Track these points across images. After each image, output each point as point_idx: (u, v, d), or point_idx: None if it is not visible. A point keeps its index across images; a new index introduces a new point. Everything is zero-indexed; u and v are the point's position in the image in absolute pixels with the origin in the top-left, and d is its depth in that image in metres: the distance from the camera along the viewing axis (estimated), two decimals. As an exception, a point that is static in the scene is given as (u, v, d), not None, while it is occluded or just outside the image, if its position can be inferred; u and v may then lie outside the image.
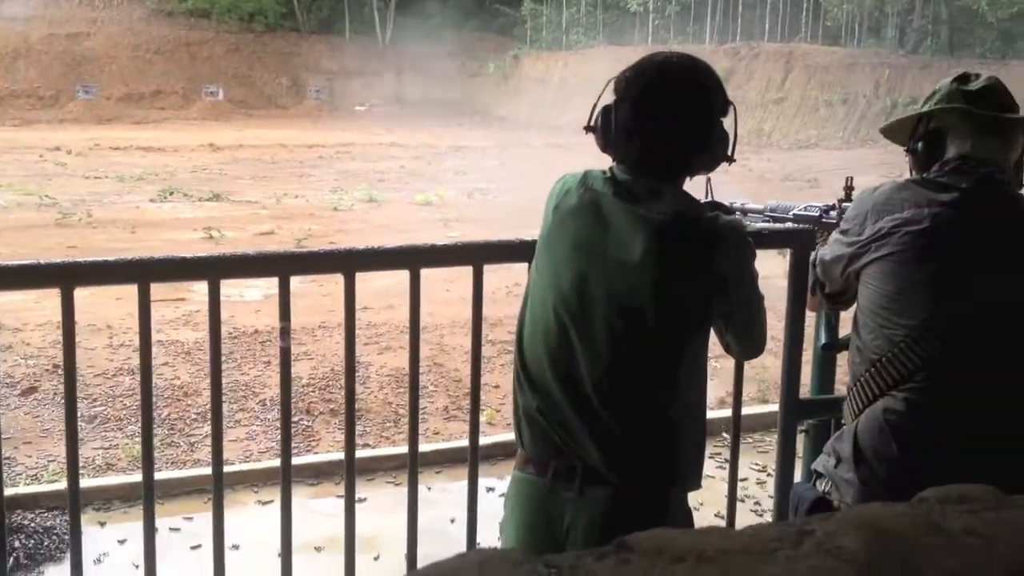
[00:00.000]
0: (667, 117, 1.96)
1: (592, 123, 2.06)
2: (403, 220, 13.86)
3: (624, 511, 1.97)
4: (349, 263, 2.33)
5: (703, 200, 2.09)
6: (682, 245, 1.95)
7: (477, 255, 2.42)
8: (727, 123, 2.04)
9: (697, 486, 2.13)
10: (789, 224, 2.76)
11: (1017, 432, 2.08)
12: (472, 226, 13.16)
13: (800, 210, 2.80)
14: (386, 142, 27.16)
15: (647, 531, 0.71)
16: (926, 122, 2.27)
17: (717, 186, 2.19)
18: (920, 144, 2.26)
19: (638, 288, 1.94)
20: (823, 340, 2.64)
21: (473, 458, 2.52)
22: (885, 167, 19.97)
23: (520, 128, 32.90)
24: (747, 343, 2.15)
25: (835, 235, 2.31)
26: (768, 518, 4.47)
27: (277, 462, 5.08)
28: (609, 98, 2.04)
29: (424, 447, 5.21)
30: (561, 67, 38.86)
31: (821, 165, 19.54)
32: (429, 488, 4.77)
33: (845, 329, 2.53)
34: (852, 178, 2.77)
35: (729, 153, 2.05)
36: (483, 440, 5.37)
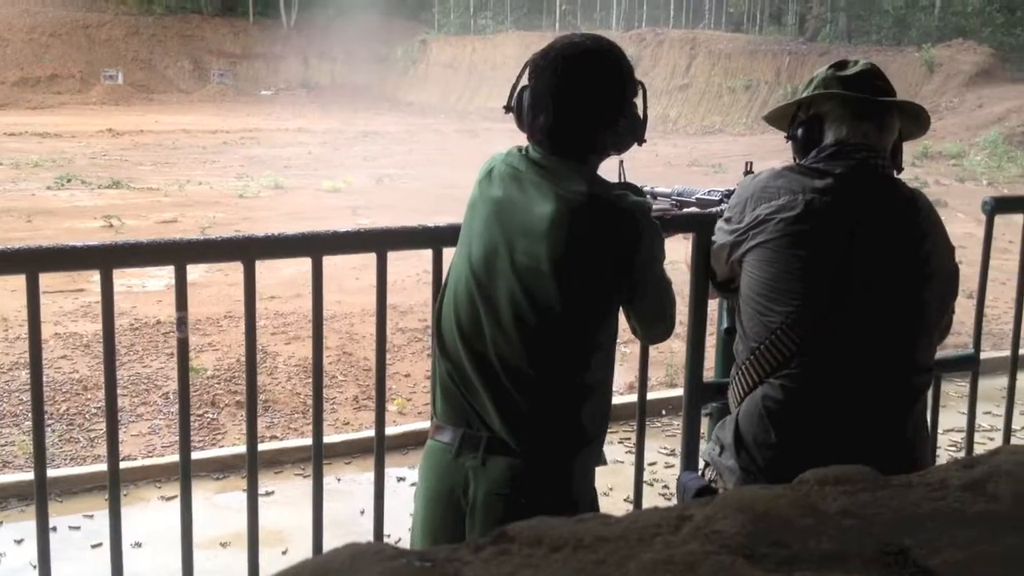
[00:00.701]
0: (572, 97, 1.99)
1: (510, 103, 2.10)
2: (310, 207, 13.68)
3: (525, 483, 2.00)
4: (248, 251, 2.27)
5: (615, 181, 2.11)
6: (588, 223, 1.96)
7: (380, 242, 2.39)
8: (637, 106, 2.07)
9: (600, 462, 2.14)
10: (694, 208, 2.78)
11: (890, 415, 2.14)
12: (381, 213, 13.05)
13: (703, 194, 2.82)
14: (293, 127, 26.77)
15: (527, 520, 0.70)
16: (805, 108, 2.29)
17: (626, 171, 2.21)
18: (799, 130, 2.27)
19: (542, 263, 1.96)
20: (725, 324, 2.67)
21: (379, 448, 2.49)
22: (788, 152, 20.40)
23: (429, 113, 32.74)
24: (653, 327, 2.17)
25: (720, 223, 2.33)
26: (676, 500, 4.54)
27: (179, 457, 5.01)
28: (526, 80, 2.08)
29: (333, 438, 5.16)
30: (470, 52, 38.75)
31: (726, 151, 19.86)
32: (339, 479, 4.72)
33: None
34: (751, 163, 2.79)
35: (639, 134, 2.08)
36: (394, 429, 5.37)
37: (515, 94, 2.08)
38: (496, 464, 2.02)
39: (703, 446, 2.81)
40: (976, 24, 27.32)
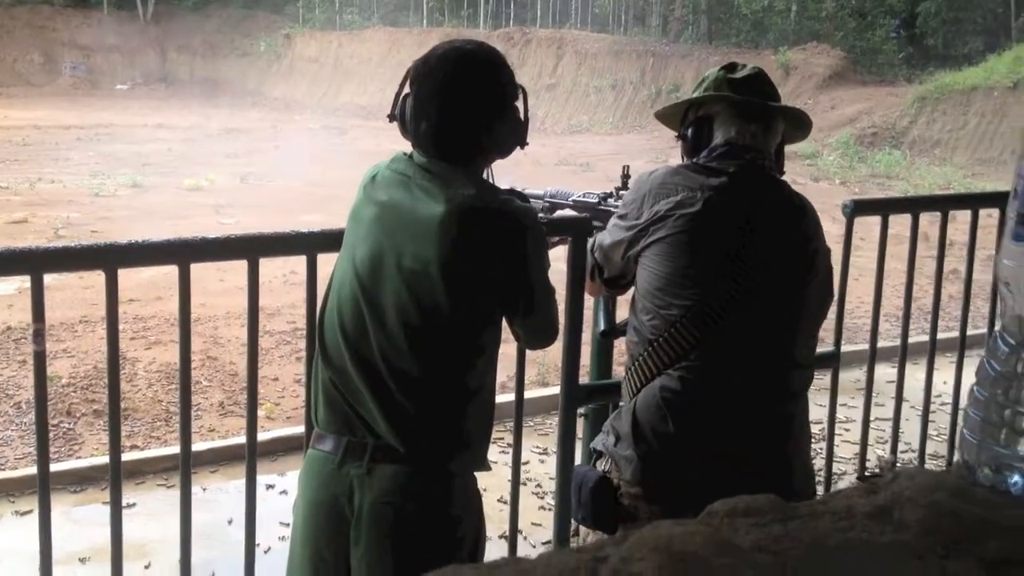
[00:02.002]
0: (454, 102, 2.01)
1: (394, 112, 2.10)
2: (172, 207, 13.25)
3: (412, 489, 2.00)
4: (110, 258, 2.17)
5: (502, 187, 2.12)
6: (477, 227, 1.98)
7: (253, 248, 2.31)
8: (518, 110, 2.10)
9: (484, 467, 2.15)
10: (568, 211, 2.80)
11: (777, 409, 2.20)
12: (247, 212, 12.75)
13: (579, 197, 2.83)
14: (151, 123, 25.91)
15: (440, 570, 0.68)
16: (695, 109, 2.35)
17: (495, 171, 2.20)
18: (690, 130, 2.34)
19: (430, 266, 1.96)
20: (601, 327, 2.69)
21: (251, 460, 2.42)
22: (653, 152, 20.82)
23: (295, 109, 32.16)
24: (537, 334, 2.20)
25: (614, 220, 2.35)
26: (550, 499, 4.56)
27: (33, 470, 4.78)
28: (408, 88, 2.09)
29: (199, 446, 5.00)
30: (336, 47, 38.21)
31: (593, 150, 20.15)
32: (204, 489, 4.58)
33: (621, 315, 2.59)
34: (628, 166, 2.83)
35: (521, 137, 2.11)
36: (263, 435, 5.23)
37: (398, 102, 2.09)
38: (383, 472, 2.00)
39: (579, 446, 2.84)
40: (829, 28, 28.39)
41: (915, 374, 3.46)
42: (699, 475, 2.10)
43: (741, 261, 2.17)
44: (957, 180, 17.06)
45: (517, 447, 2.76)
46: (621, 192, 2.67)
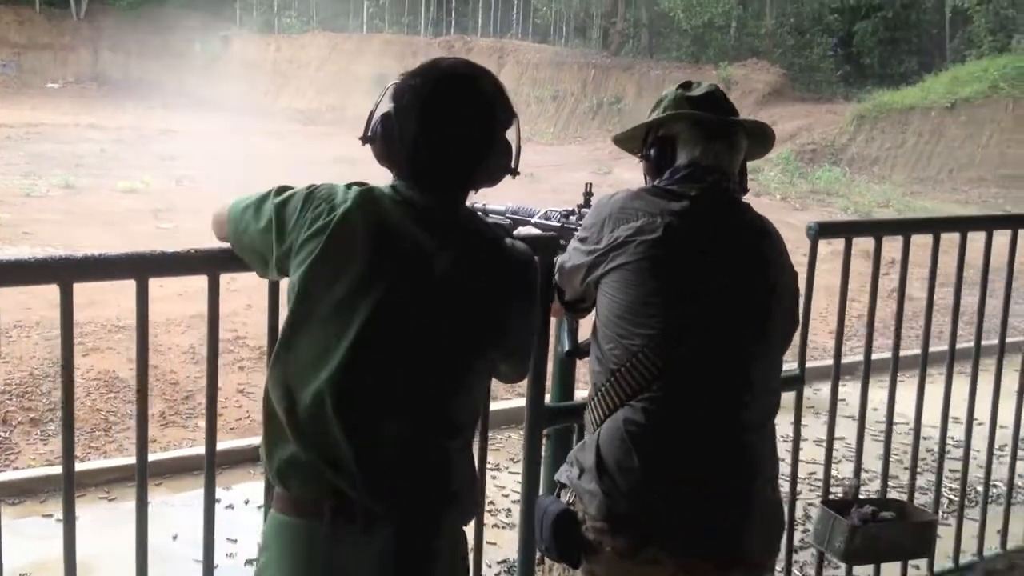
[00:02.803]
0: (451, 131, 1.85)
1: (370, 132, 1.89)
2: (107, 209, 12.94)
3: (411, 546, 1.84)
4: (65, 273, 2.06)
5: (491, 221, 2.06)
6: (481, 270, 1.87)
7: (215, 263, 2.21)
8: (510, 133, 1.97)
9: (475, 516, 2.07)
10: (531, 228, 2.74)
11: (749, 434, 2.16)
12: (185, 217, 12.47)
13: (541, 217, 2.77)
14: (83, 123, 25.32)
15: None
16: (655, 130, 2.29)
17: None
18: (652, 151, 2.28)
19: (438, 314, 1.83)
20: (565, 347, 2.62)
21: (209, 470, 2.33)
22: (595, 163, 20.91)
23: (232, 113, 31.67)
24: (520, 368, 2.11)
25: (574, 243, 2.29)
26: (503, 517, 4.49)
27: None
28: (387, 105, 1.89)
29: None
30: (274, 51, 37.80)
31: (536, 160, 20.08)
32: (148, 502, 4.43)
33: (585, 334, 2.54)
34: (591, 184, 2.77)
35: (513, 166, 1.97)
36: (202, 449, 5.09)
37: (375, 122, 1.89)
38: (378, 532, 1.81)
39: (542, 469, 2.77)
40: (768, 45, 28.75)
41: (873, 394, 3.45)
42: (664, 507, 2.06)
43: (702, 288, 2.12)
44: (896, 198, 17.37)
45: (482, 464, 2.68)
46: (584, 210, 2.60)
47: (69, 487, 2.14)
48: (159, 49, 40.42)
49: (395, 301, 1.80)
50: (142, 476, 2.25)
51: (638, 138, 2.36)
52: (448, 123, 1.85)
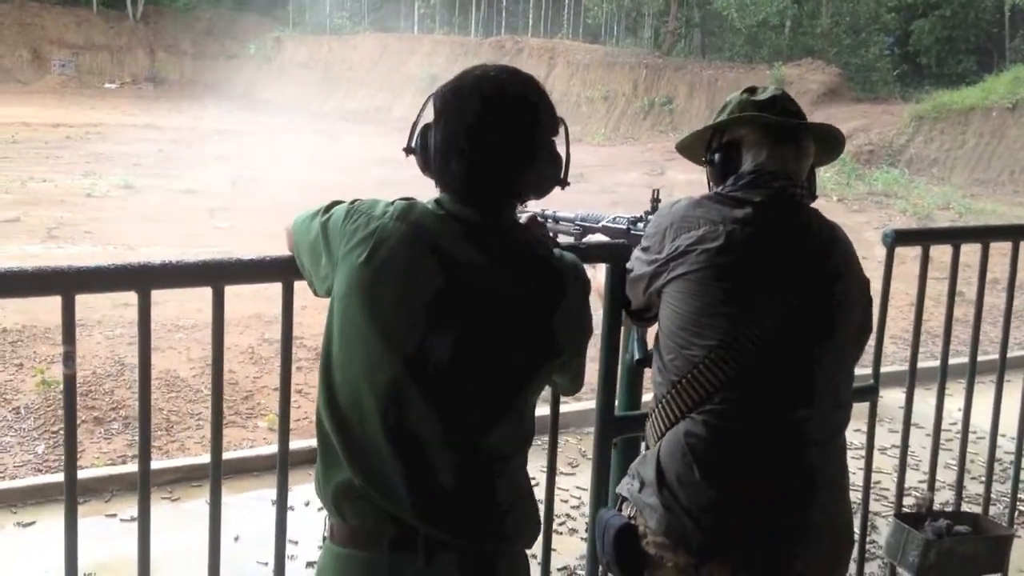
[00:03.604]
0: (493, 140, 1.76)
1: (412, 144, 1.84)
2: (164, 209, 13.12)
3: (477, 574, 1.78)
4: (144, 280, 2.06)
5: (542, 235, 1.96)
6: (527, 283, 1.78)
7: (289, 270, 2.20)
8: (559, 143, 1.87)
9: (537, 535, 1.99)
10: (600, 235, 2.71)
11: (812, 452, 2.08)
12: (241, 216, 12.62)
13: (609, 221, 2.75)
14: (140, 123, 25.73)
15: None
16: (720, 135, 2.24)
17: None
18: (716, 156, 2.22)
19: (485, 330, 1.75)
20: (636, 355, 2.59)
21: (282, 487, 2.32)
22: (647, 164, 20.81)
23: (284, 113, 32.01)
24: (577, 381, 2.05)
25: (637, 252, 2.25)
26: (558, 522, 4.47)
27: (37, 479, 4.66)
28: (429, 116, 1.82)
29: (201, 459, 4.88)
30: (326, 52, 38.15)
31: (587, 161, 20.06)
32: (206, 503, 4.47)
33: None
34: (658, 190, 2.72)
35: (562, 176, 1.87)
36: (264, 450, 5.13)
37: (417, 133, 1.83)
38: (442, 561, 1.75)
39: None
40: (824, 44, 28.42)
41: (949, 404, 3.38)
42: (725, 524, 2.02)
43: (766, 298, 2.06)
44: (956, 200, 17.04)
45: (550, 473, 2.66)
46: (650, 216, 2.57)
47: (145, 491, 2.14)
48: (214, 50, 41.02)
49: (438, 320, 1.72)
50: (216, 478, 2.25)
51: (701, 143, 2.31)
52: (485, 132, 1.76)
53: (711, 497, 2.02)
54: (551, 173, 1.85)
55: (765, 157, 2.16)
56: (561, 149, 1.87)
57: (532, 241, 1.84)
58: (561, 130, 1.86)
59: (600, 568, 2.36)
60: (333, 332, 1.79)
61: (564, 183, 1.88)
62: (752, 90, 2.26)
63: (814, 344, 2.09)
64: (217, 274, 2.16)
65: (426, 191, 1.88)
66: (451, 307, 1.73)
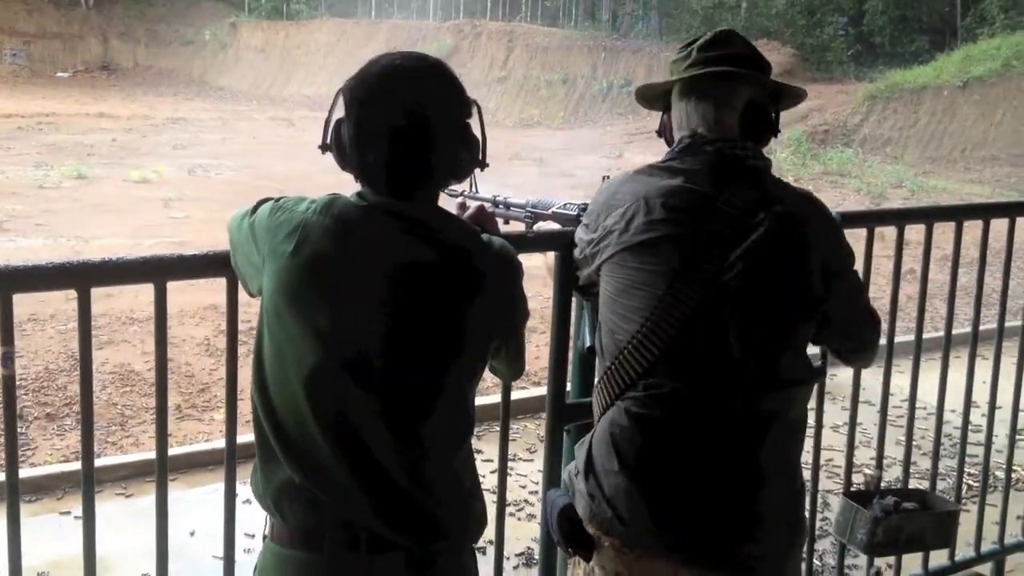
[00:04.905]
0: (403, 128, 1.73)
1: (326, 140, 1.81)
2: (119, 200, 12.96)
3: (422, 570, 1.76)
4: (83, 278, 2.04)
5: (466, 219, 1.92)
6: (462, 274, 1.75)
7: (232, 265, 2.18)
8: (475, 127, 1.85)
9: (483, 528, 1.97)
10: (551, 223, 2.71)
11: (740, 442, 1.98)
12: (196, 206, 12.50)
13: (559, 208, 2.73)
14: (94, 112, 25.37)
15: None
16: (666, 97, 2.14)
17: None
18: (661, 122, 2.15)
19: (428, 323, 1.73)
20: (587, 342, 2.59)
21: (230, 479, 2.31)
22: (605, 147, 20.84)
23: (241, 100, 31.71)
24: (515, 365, 2.00)
25: (579, 230, 2.19)
26: (512, 508, 4.49)
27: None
28: (341, 110, 1.79)
29: (154, 453, 4.82)
30: (283, 37, 37.75)
31: (546, 144, 20.09)
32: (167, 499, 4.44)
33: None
34: (607, 177, 2.70)
35: (480, 158, 1.85)
36: (216, 444, 5.08)
37: (330, 128, 1.80)
38: (385, 563, 1.73)
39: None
40: (779, 25, 28.55)
41: (897, 381, 3.42)
42: (648, 513, 1.95)
43: (692, 275, 1.92)
44: (909, 178, 17.23)
45: (504, 456, 2.66)
46: None
47: (89, 489, 2.12)
48: (168, 36, 40.44)
49: (364, 312, 1.71)
50: (162, 476, 2.23)
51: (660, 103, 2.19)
52: (395, 120, 1.73)
53: (628, 488, 1.96)
54: (467, 156, 1.82)
55: (697, 118, 2.04)
56: (484, 135, 1.85)
57: (457, 227, 1.81)
58: (475, 111, 1.83)
59: (557, 552, 2.35)
60: (264, 329, 1.77)
61: (483, 164, 1.86)
62: (692, 41, 2.12)
63: (747, 322, 1.94)
64: (158, 270, 2.13)
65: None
66: (376, 299, 1.71)
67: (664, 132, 2.16)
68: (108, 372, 6.35)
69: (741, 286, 1.93)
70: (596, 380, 2.11)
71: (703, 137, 2.02)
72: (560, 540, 2.12)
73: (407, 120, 1.73)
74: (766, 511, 1.99)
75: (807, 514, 2.18)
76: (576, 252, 2.22)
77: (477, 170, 1.91)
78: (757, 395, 1.97)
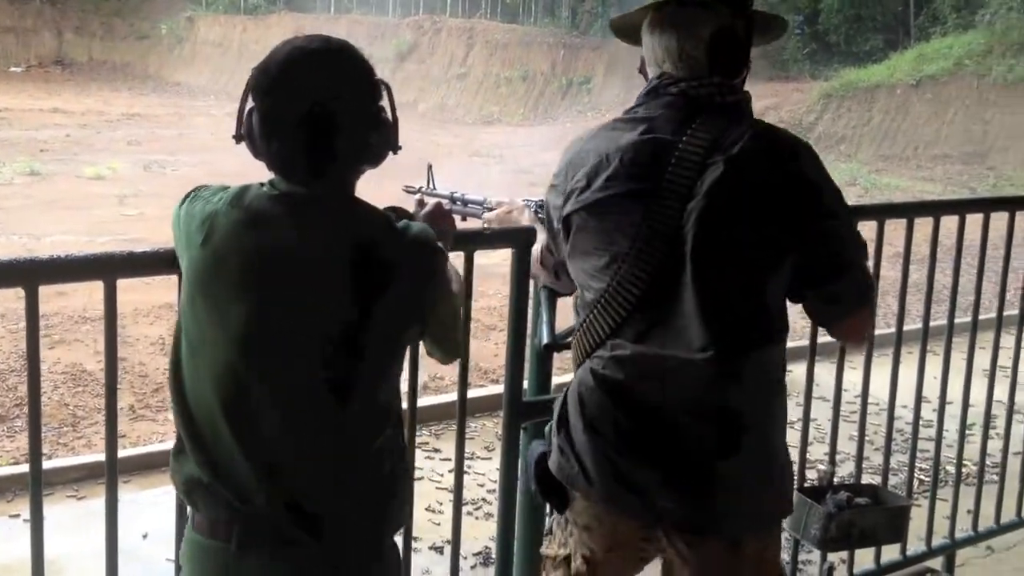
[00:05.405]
0: (307, 113, 1.68)
1: (240, 130, 1.77)
2: (72, 196, 12.79)
3: (334, 565, 1.75)
4: (30, 276, 2.01)
5: (386, 206, 1.86)
6: (368, 266, 1.69)
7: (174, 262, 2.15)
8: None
9: (405, 521, 1.98)
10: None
11: (702, 404, 1.90)
12: (151, 202, 12.34)
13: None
14: (48, 107, 24.97)
15: None
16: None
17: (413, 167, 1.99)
18: (642, 56, 2.01)
19: (335, 315, 1.69)
20: (543, 340, 2.57)
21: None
22: (564, 144, 20.83)
23: (199, 95, 31.36)
24: (444, 346, 1.92)
25: (548, 193, 2.12)
26: (471, 507, 4.48)
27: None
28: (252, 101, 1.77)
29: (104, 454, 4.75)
30: (240, 32, 37.39)
31: (506, 141, 20.07)
32: (118, 500, 4.38)
33: (562, 324, 2.51)
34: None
35: (393, 141, 1.80)
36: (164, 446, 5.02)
37: (243, 118, 1.76)
38: (290, 555, 1.72)
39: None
40: (736, 23, 28.73)
41: (849, 376, 3.44)
42: (612, 472, 1.93)
43: (653, 234, 1.85)
44: (863, 176, 17.42)
45: (460, 455, 2.65)
46: None
47: (37, 490, 2.09)
48: (123, 31, 39.92)
49: (271, 305, 1.69)
50: (112, 479, 2.20)
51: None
52: (298, 106, 1.69)
53: (593, 446, 1.95)
54: (376, 139, 1.78)
55: (660, 55, 1.95)
56: (396, 117, 1.81)
57: (363, 220, 1.74)
58: (385, 94, 1.79)
59: (545, 527, 2.30)
60: (180, 320, 1.77)
61: (395, 148, 1.82)
62: None
63: (706, 278, 1.85)
64: (108, 268, 2.10)
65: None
66: (282, 293, 1.69)
67: (642, 69, 2.04)
68: (60, 372, 6.25)
69: (698, 239, 1.85)
70: (576, 330, 2.07)
71: (669, 77, 1.93)
72: (538, 489, 2.11)
73: (309, 107, 1.69)
74: (731, 477, 1.92)
75: (774, 511, 2.06)
76: (548, 221, 2.14)
77: (400, 156, 1.86)
78: (720, 358, 1.86)
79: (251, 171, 1.84)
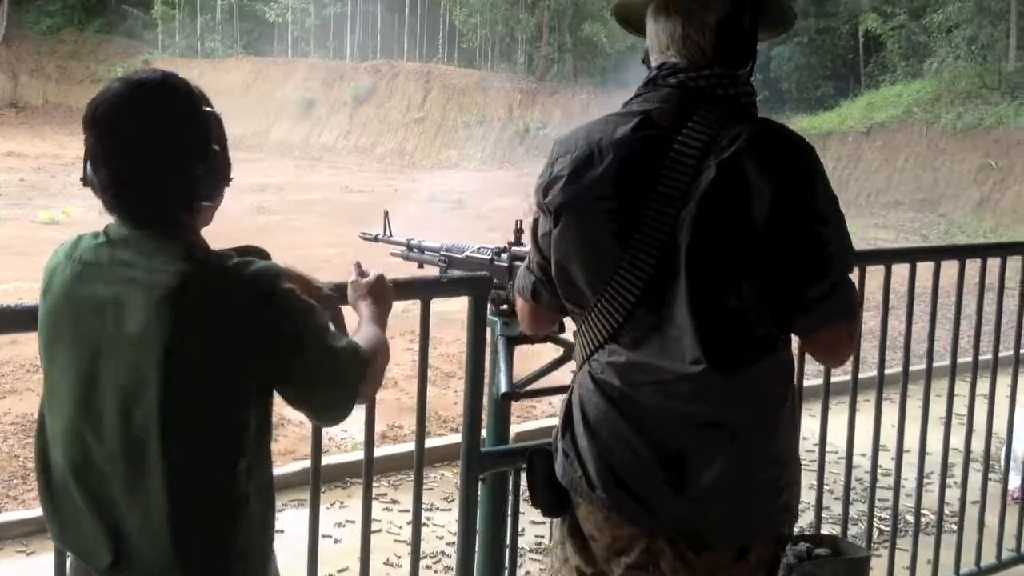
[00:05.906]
0: (130, 148, 1.61)
1: (86, 174, 1.66)
2: (26, 241, 12.63)
3: None
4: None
5: (230, 248, 1.74)
6: (197, 308, 1.57)
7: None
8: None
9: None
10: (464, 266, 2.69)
11: (697, 410, 1.84)
12: (105, 248, 12.19)
13: (473, 252, 2.71)
14: (2, 151, 24.76)
15: None
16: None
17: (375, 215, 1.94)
18: (647, 45, 1.92)
19: (149, 371, 1.56)
20: (501, 388, 2.55)
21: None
22: (524, 189, 20.92)
23: (154, 139, 31.18)
24: (319, 405, 1.73)
25: (535, 193, 1.98)
26: (429, 560, 4.42)
27: None
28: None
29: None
30: (197, 75, 36.87)
31: (464, 186, 20.13)
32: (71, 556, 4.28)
33: (520, 373, 2.51)
34: (521, 220, 2.66)
35: (225, 173, 1.72)
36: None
37: (88, 163, 1.66)
38: None
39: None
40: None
41: (808, 424, 3.46)
42: (613, 479, 1.89)
43: (648, 239, 1.79)
44: (816, 221, 17.66)
45: (418, 507, 2.62)
46: (514, 248, 2.53)
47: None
48: (79, 74, 39.71)
49: (95, 361, 1.61)
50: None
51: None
52: (103, 147, 1.63)
53: (593, 450, 1.91)
54: (214, 172, 1.69)
55: (663, 40, 1.87)
56: (226, 147, 1.74)
57: (204, 257, 1.63)
58: (212, 125, 1.69)
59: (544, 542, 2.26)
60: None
61: (227, 180, 1.74)
62: None
63: (699, 286, 1.78)
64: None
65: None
66: (106, 344, 1.60)
67: (645, 59, 1.94)
68: (11, 423, 6.13)
69: (691, 250, 1.78)
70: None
71: (671, 67, 1.85)
72: (538, 498, 2.07)
73: (129, 139, 1.62)
74: (718, 492, 1.85)
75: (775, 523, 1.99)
76: (534, 228, 2.03)
77: (392, 213, 1.80)
78: (713, 371, 1.79)
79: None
